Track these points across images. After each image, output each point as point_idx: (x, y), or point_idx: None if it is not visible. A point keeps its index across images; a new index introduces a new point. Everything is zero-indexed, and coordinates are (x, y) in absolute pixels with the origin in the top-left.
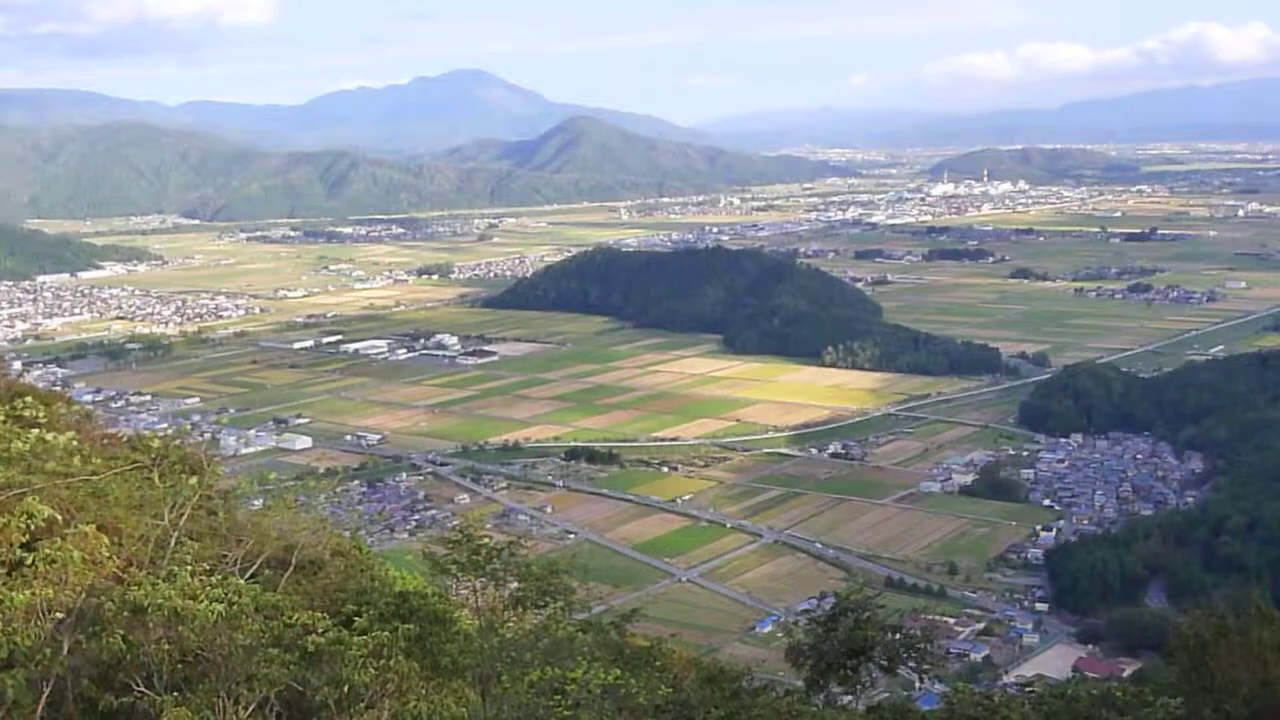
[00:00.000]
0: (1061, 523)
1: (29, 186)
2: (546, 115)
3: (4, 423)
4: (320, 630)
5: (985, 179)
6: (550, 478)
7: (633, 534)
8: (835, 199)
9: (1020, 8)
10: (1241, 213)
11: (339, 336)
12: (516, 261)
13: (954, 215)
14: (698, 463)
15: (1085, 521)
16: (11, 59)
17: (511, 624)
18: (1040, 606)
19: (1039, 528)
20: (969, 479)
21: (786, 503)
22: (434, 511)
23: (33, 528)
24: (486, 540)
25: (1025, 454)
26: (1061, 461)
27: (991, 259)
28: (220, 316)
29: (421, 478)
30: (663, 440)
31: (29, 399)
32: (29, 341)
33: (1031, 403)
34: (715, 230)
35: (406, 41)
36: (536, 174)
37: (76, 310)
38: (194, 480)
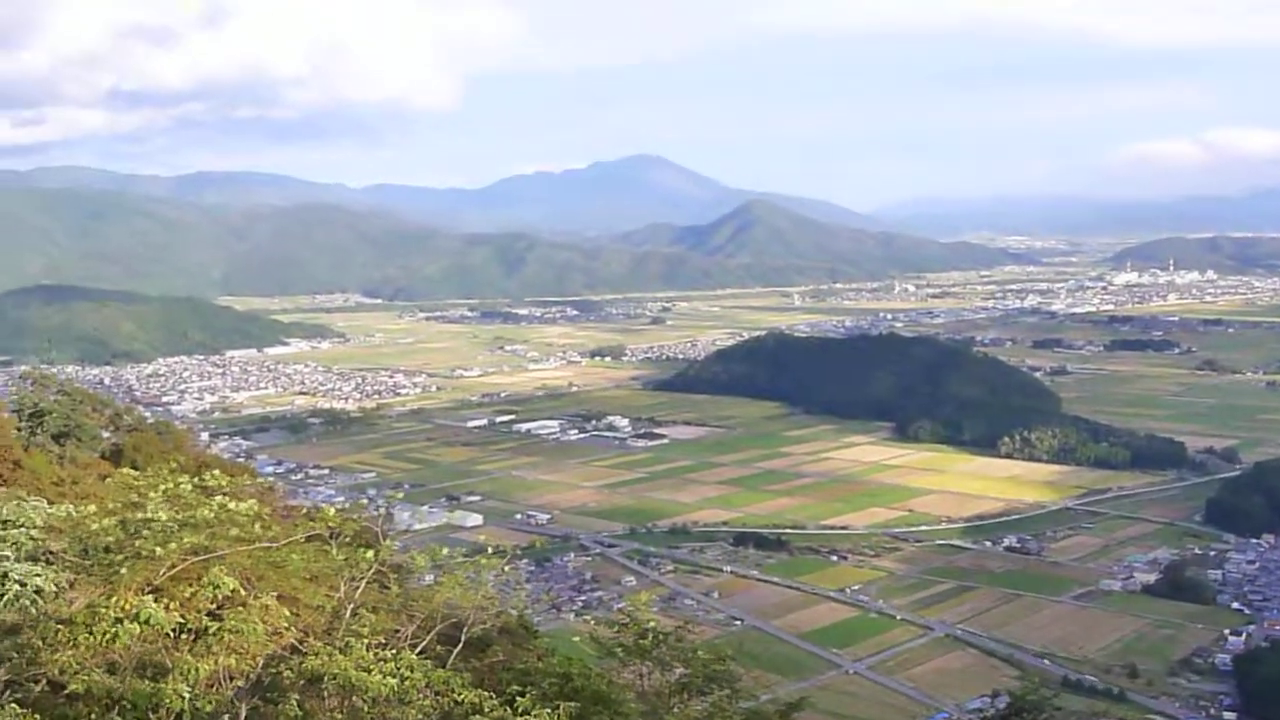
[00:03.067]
0: (1252, 627)
1: (221, 264)
2: (720, 199)
3: (192, 492)
4: (487, 709)
5: (1171, 268)
6: (717, 562)
7: (800, 622)
8: (1013, 287)
9: (1205, 92)
10: None
11: (512, 416)
12: (689, 345)
13: (1137, 305)
14: (867, 552)
15: (1278, 627)
16: (211, 141)
17: (676, 710)
18: (1227, 715)
19: (1227, 631)
20: (1152, 578)
21: (958, 596)
22: (600, 592)
23: (217, 596)
24: (653, 624)
25: (1212, 554)
26: (1252, 563)
27: (1177, 350)
28: (398, 394)
29: (589, 558)
30: (832, 528)
31: (216, 470)
32: (216, 414)
33: (1219, 500)
34: (889, 317)
35: (585, 126)
36: (709, 258)
37: (262, 384)
38: (369, 554)
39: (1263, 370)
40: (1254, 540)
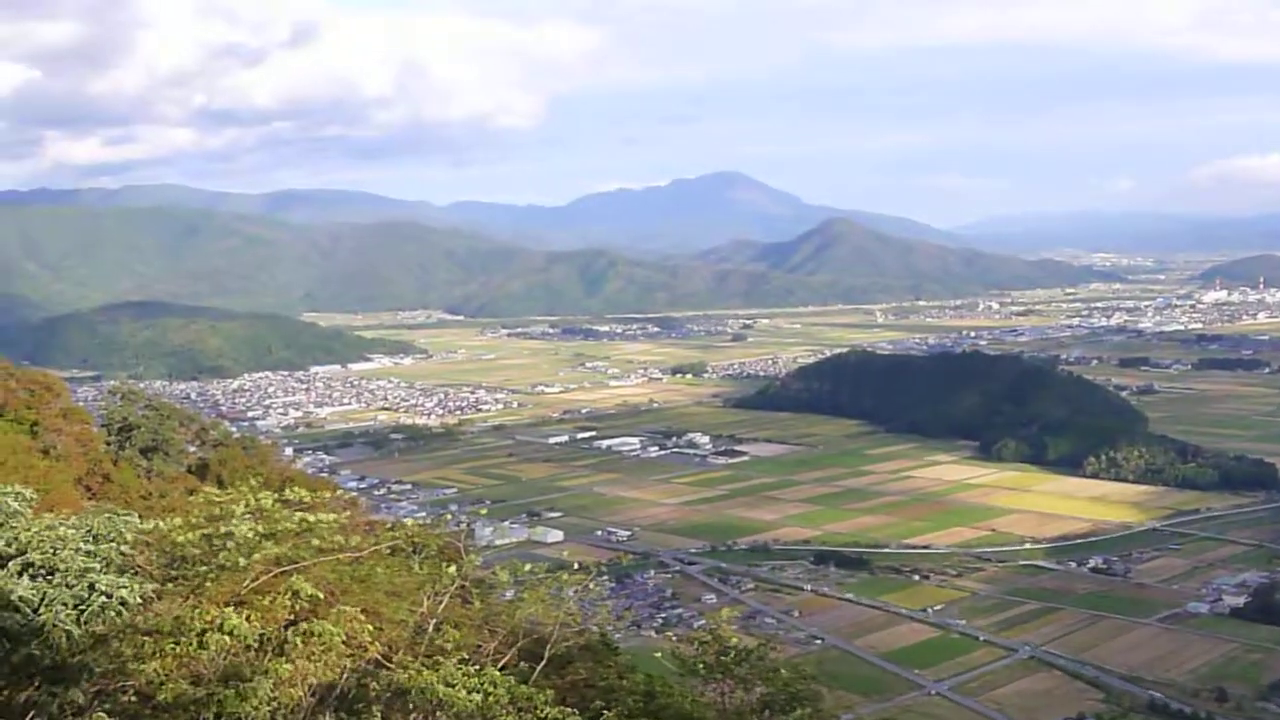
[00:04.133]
0: None
1: (306, 281)
2: (801, 217)
3: (274, 505)
4: None
5: (1261, 286)
6: (798, 581)
7: (881, 642)
8: (1098, 304)
9: None
10: None
11: (593, 433)
12: (770, 362)
13: (1226, 323)
14: (949, 572)
15: None
16: (297, 160)
17: None
18: None
19: None
20: (1240, 601)
21: (1042, 617)
22: (680, 610)
23: (298, 607)
24: (735, 641)
25: None
26: None
27: (1268, 369)
28: (479, 409)
29: (669, 575)
30: (914, 547)
31: (298, 485)
32: (300, 429)
33: None
34: (972, 335)
35: (665, 143)
36: (791, 275)
37: (345, 400)
38: (452, 569)
39: None
40: None
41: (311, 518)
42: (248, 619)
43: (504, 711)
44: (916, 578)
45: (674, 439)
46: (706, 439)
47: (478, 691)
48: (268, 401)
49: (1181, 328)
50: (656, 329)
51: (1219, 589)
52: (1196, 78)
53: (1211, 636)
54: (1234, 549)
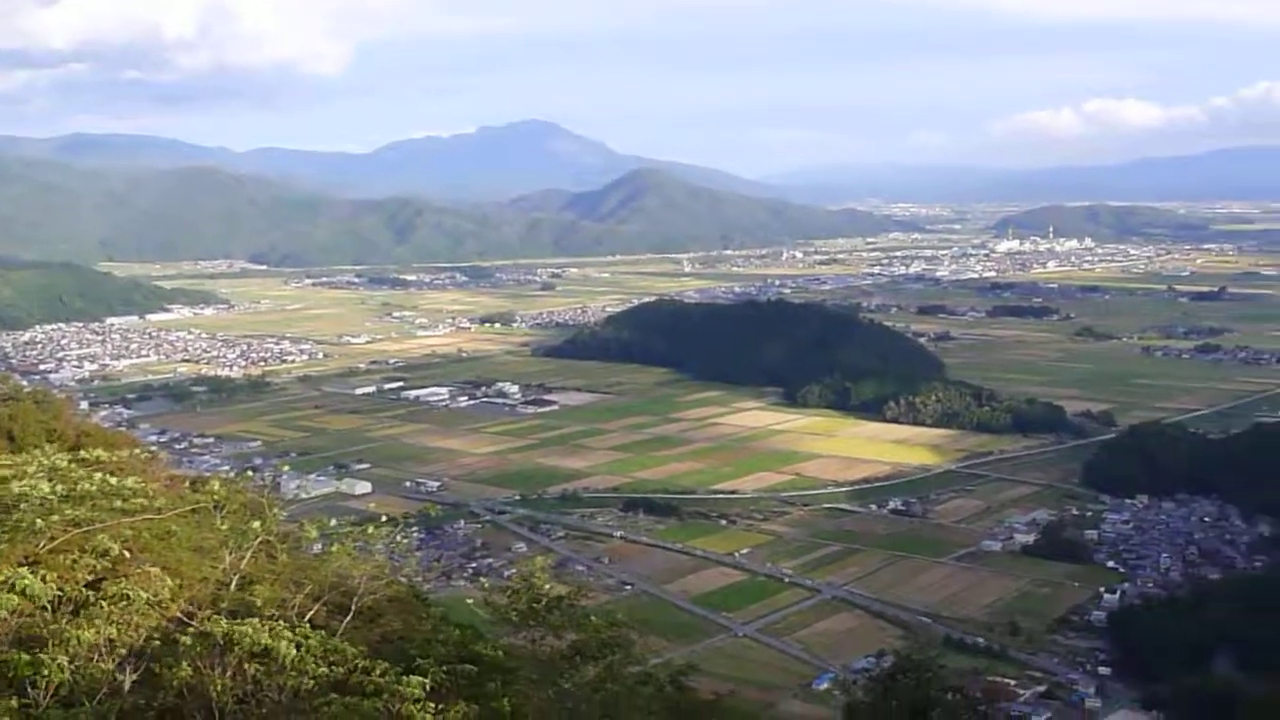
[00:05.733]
0: (1126, 585)
1: (102, 229)
2: (612, 167)
3: (69, 465)
4: (379, 673)
5: (1051, 236)
6: (608, 528)
7: (690, 587)
8: (899, 254)
9: (1088, 66)
10: None
11: (401, 383)
12: (579, 311)
13: (1019, 272)
14: (756, 516)
15: (1150, 584)
16: (95, 105)
17: (570, 675)
18: (1103, 670)
19: (1103, 590)
20: (1031, 538)
21: (846, 559)
22: (491, 559)
23: (98, 567)
24: (548, 589)
25: (1089, 514)
26: (1127, 523)
27: (1057, 316)
28: (284, 361)
29: (480, 525)
30: (722, 493)
31: (95, 441)
32: (96, 382)
33: (1096, 463)
34: (778, 283)
35: (475, 92)
36: (601, 225)
37: (144, 352)
38: (257, 524)
39: (1137, 335)
40: (1128, 501)
41: (114, 480)
42: (43, 579)
43: (316, 664)
44: (724, 522)
45: (483, 388)
46: (516, 388)
47: (291, 643)
48: (61, 354)
49: (977, 276)
50: (466, 278)
51: (1011, 528)
52: (996, 35)
53: (1004, 573)
54: (1025, 489)
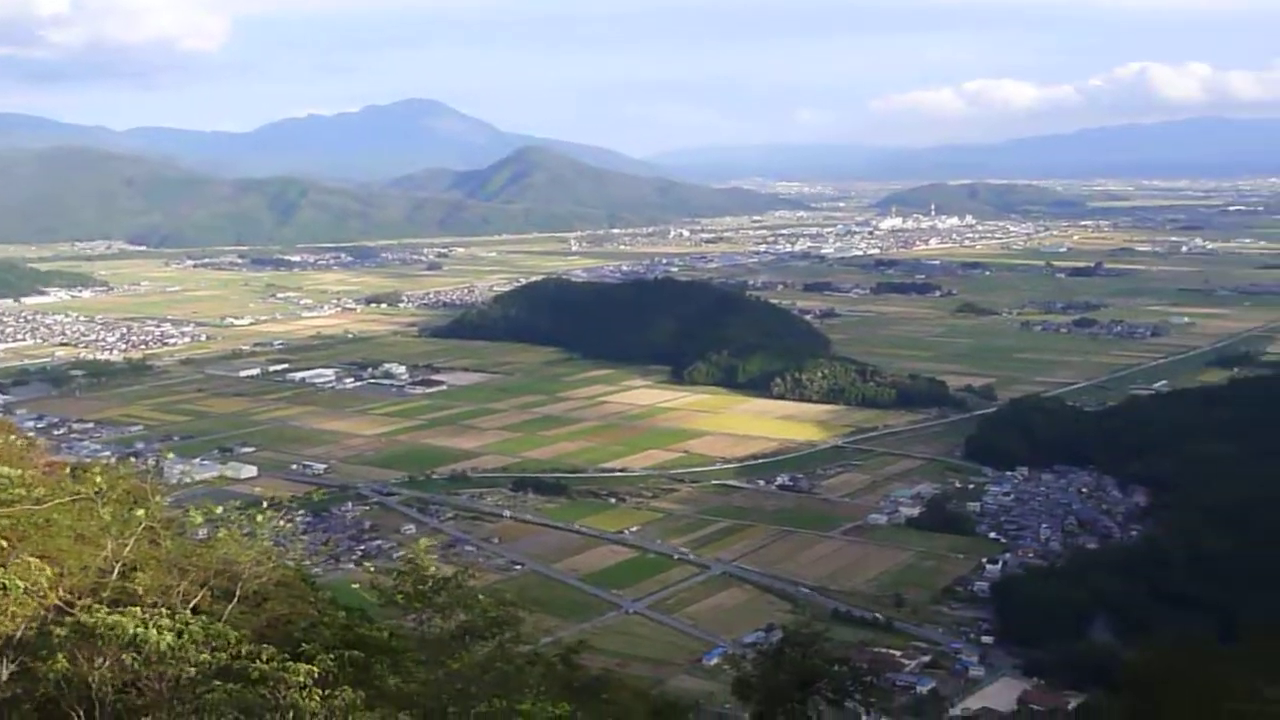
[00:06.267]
0: (1008, 555)
1: None
2: (498, 145)
3: None
4: (265, 659)
5: (933, 213)
6: (498, 508)
7: (580, 565)
8: (784, 232)
9: (965, 47)
10: (1185, 249)
11: (286, 365)
12: (466, 291)
13: (902, 249)
14: (645, 494)
15: (1031, 554)
16: None
17: (459, 656)
18: (986, 639)
19: (985, 560)
20: (916, 511)
21: (734, 534)
22: (380, 541)
23: None
24: (434, 571)
25: (972, 487)
26: (1007, 494)
27: (938, 293)
28: (166, 344)
29: (368, 507)
30: (610, 471)
31: None
32: None
33: (978, 436)
34: (665, 262)
35: (359, 70)
36: (487, 204)
37: (19, 336)
38: (140, 512)
39: (1017, 311)
40: (1009, 473)
41: None
42: None
43: (198, 650)
44: (614, 500)
45: (370, 369)
46: (403, 369)
47: (169, 631)
48: None
49: (861, 253)
50: (351, 258)
51: (896, 501)
52: (875, 16)
53: (890, 546)
54: (910, 463)
